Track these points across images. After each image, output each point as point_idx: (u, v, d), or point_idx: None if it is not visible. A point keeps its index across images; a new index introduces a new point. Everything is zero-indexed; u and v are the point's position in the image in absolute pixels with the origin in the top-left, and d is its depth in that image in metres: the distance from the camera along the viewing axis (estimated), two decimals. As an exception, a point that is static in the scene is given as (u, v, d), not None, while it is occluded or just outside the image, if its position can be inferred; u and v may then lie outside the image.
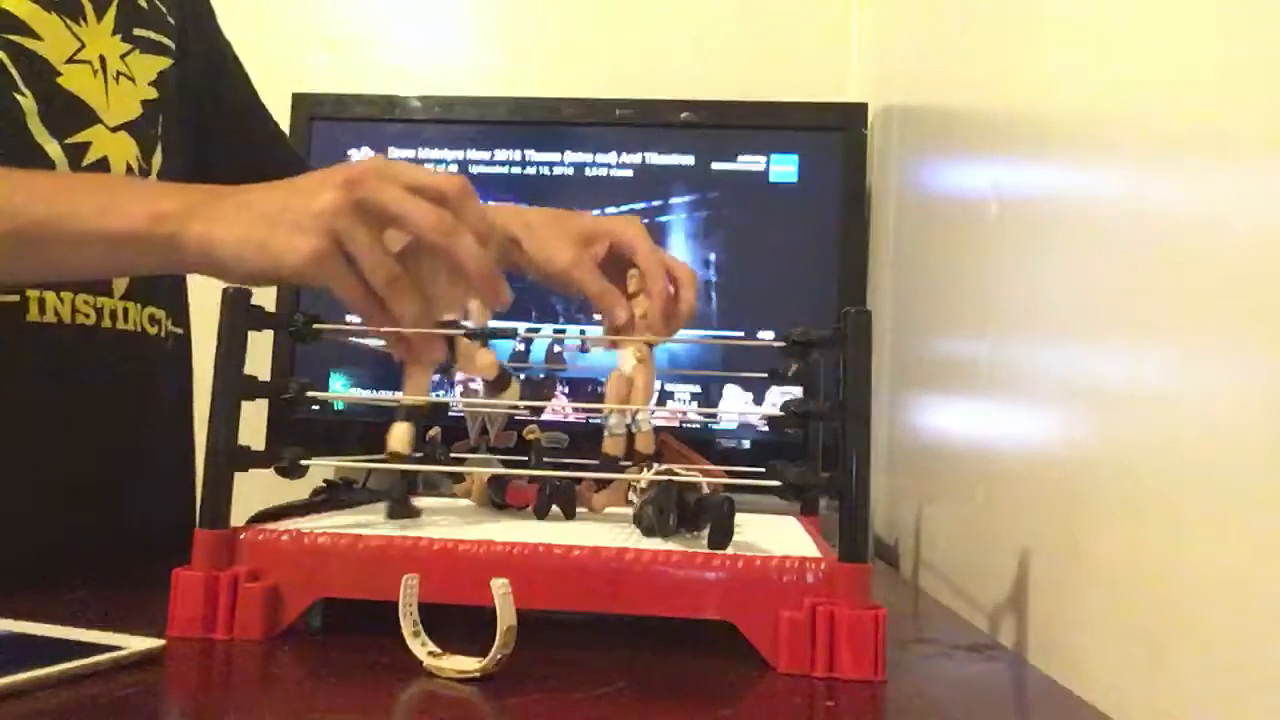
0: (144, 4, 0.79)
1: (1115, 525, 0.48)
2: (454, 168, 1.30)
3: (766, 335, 1.22)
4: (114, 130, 0.72)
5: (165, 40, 0.80)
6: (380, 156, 0.59)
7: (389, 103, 1.31)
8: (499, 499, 0.66)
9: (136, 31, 0.77)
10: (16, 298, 0.66)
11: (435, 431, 0.72)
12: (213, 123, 0.86)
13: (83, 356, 0.71)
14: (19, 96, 0.66)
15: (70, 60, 0.70)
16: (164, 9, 0.81)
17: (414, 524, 0.57)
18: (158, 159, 0.77)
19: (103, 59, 0.73)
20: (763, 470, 0.53)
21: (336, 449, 0.63)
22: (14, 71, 0.66)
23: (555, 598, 0.49)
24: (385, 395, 1.19)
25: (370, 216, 0.54)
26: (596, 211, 1.26)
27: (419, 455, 0.66)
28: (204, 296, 0.71)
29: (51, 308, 0.68)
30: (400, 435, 0.58)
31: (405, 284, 0.55)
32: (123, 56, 0.75)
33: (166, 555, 0.51)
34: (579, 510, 0.65)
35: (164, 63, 0.79)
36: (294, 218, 0.54)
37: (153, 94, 0.77)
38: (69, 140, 0.69)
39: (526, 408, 0.70)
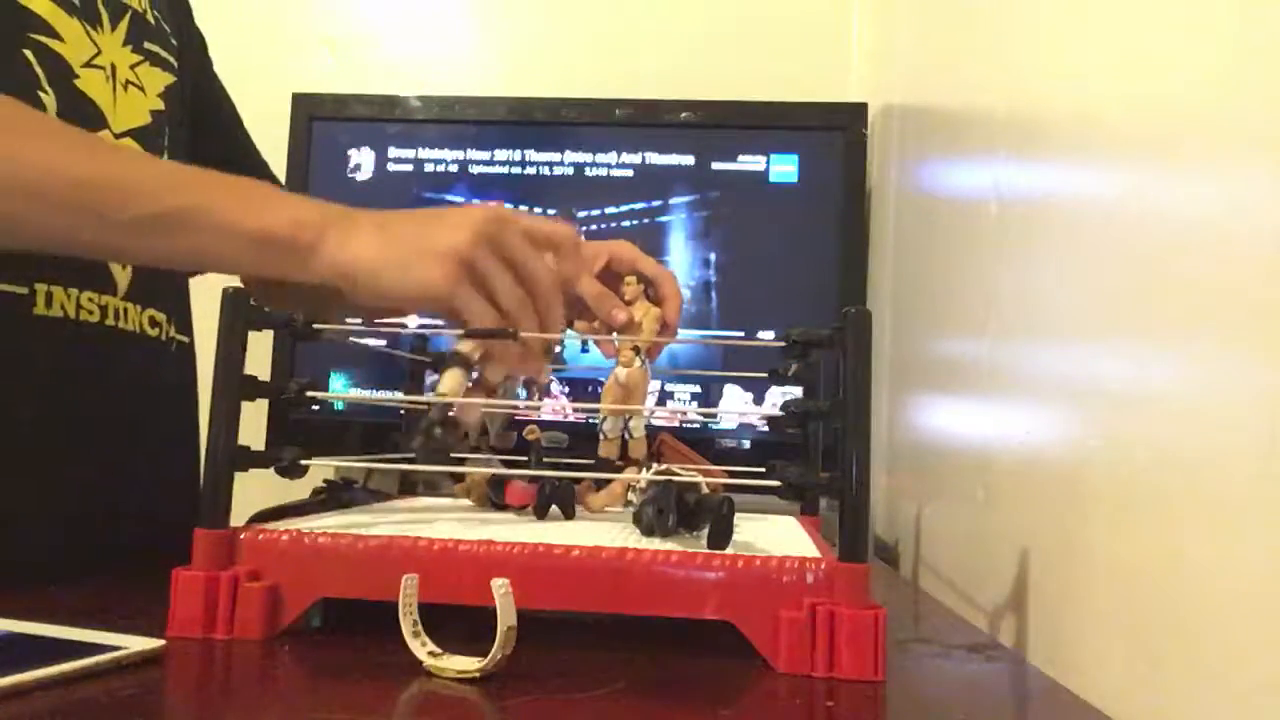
0: (151, 20, 0.80)
1: (1115, 525, 0.48)
2: (454, 168, 1.30)
3: (766, 335, 1.22)
4: (119, 137, 0.74)
5: (169, 57, 0.82)
6: (501, 206, 0.63)
7: (389, 103, 1.31)
8: (499, 499, 0.66)
9: (146, 45, 0.78)
10: (25, 289, 0.67)
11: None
12: (199, 152, 0.86)
13: (84, 352, 0.71)
14: (42, 95, 0.68)
15: (87, 64, 0.71)
16: (168, 29, 0.83)
17: (415, 523, 0.57)
18: None
19: (113, 66, 0.74)
20: (763, 470, 0.53)
21: (336, 449, 0.63)
22: (39, 71, 0.68)
23: (555, 598, 0.49)
24: (385, 395, 1.19)
25: (498, 254, 0.60)
26: (596, 211, 1.26)
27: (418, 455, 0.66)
28: (206, 300, 0.71)
29: (58, 302, 0.68)
30: (451, 382, 0.60)
31: (529, 307, 0.60)
32: (133, 67, 0.76)
33: (168, 554, 0.51)
34: (578, 510, 0.65)
35: (169, 78, 0.81)
36: (433, 246, 0.58)
37: (161, 105, 0.79)
38: None
39: (527, 407, 0.71)
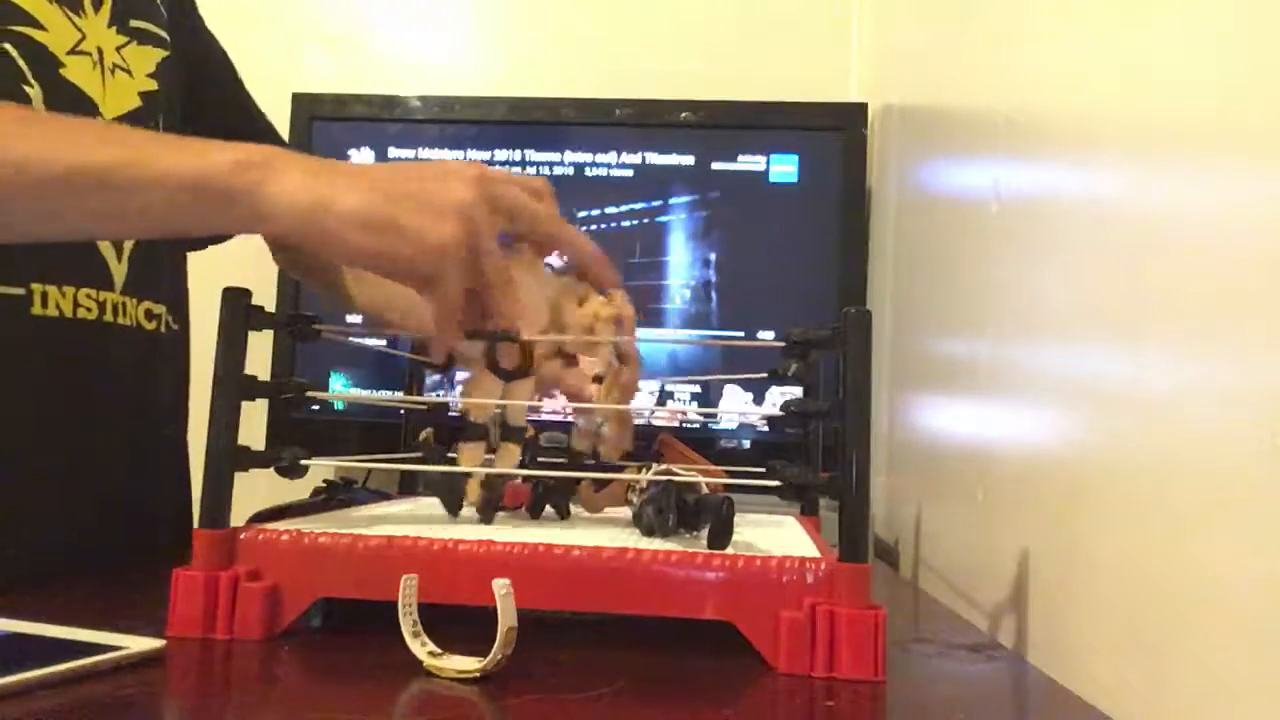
0: None
1: (1115, 525, 0.48)
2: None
3: (766, 335, 1.22)
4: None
5: (160, 31, 0.80)
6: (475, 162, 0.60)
7: (389, 103, 1.31)
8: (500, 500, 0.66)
9: (133, 23, 0.77)
10: (21, 290, 0.67)
11: (428, 432, 0.72)
12: (198, 122, 0.83)
13: (84, 350, 0.71)
14: (27, 88, 0.67)
15: (71, 51, 0.70)
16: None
17: (415, 523, 0.57)
18: None
19: (100, 51, 0.73)
20: (763, 470, 0.53)
21: (336, 449, 0.63)
22: (22, 64, 0.67)
23: (555, 598, 0.49)
24: (385, 395, 1.19)
25: (497, 213, 0.55)
26: (596, 211, 1.26)
27: (418, 455, 0.66)
28: (205, 294, 0.71)
29: (54, 302, 0.68)
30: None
31: (515, 284, 0.56)
32: (119, 49, 0.75)
33: (163, 551, 0.51)
34: (578, 510, 0.65)
35: (160, 54, 0.79)
36: (436, 201, 0.53)
37: (152, 85, 0.77)
38: None
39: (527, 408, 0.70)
